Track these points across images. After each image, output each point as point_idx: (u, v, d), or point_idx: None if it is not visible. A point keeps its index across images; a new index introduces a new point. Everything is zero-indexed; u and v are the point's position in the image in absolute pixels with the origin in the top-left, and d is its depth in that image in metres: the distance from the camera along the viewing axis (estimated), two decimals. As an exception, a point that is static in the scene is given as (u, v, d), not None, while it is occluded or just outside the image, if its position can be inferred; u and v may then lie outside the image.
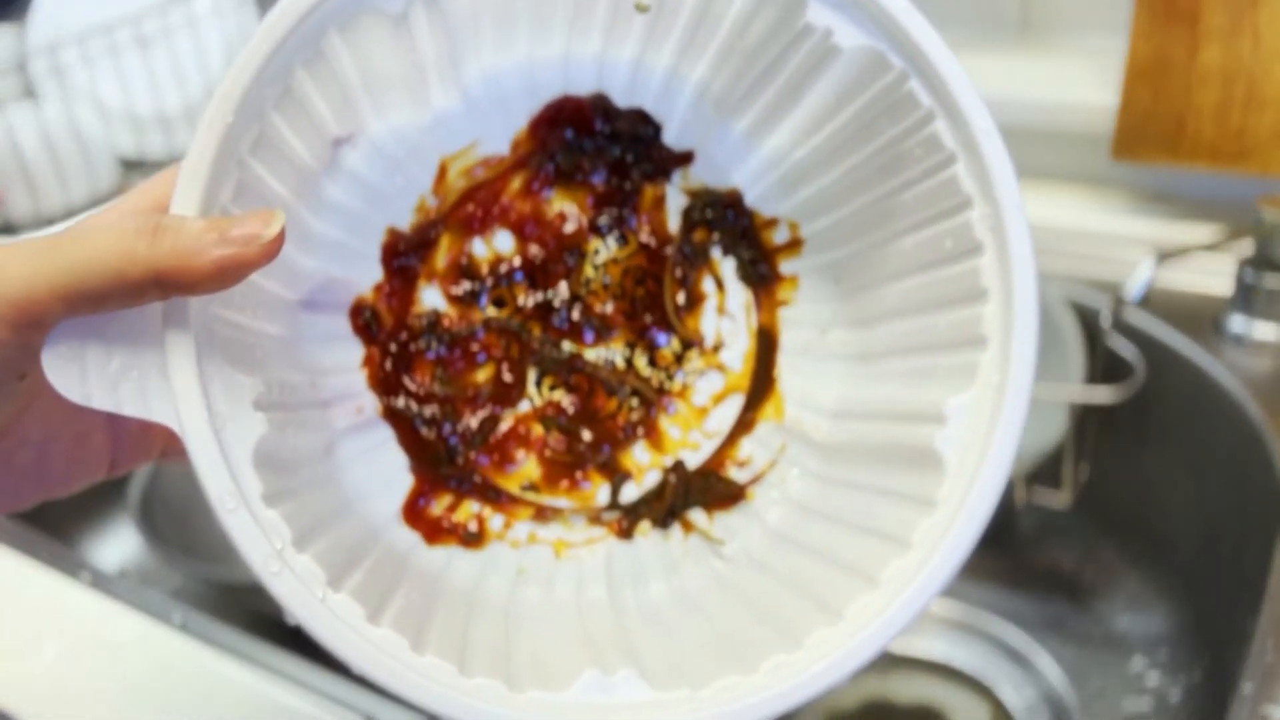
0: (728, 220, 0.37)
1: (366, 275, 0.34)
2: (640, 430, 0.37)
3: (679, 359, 0.37)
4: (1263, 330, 0.62)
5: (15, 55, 0.92)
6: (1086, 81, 0.76)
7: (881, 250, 0.33)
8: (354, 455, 0.33)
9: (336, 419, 0.33)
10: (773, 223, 0.36)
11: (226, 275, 0.24)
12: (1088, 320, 0.69)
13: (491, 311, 0.36)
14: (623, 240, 0.37)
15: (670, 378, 0.37)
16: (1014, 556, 0.77)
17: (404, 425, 0.35)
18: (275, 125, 0.29)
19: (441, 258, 0.35)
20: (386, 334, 0.35)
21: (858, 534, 0.31)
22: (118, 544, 0.78)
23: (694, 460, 0.37)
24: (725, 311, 0.37)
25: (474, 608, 0.32)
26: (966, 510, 0.27)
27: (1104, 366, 0.67)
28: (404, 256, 0.35)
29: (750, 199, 0.36)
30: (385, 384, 0.35)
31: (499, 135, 0.35)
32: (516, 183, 0.36)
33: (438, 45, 0.32)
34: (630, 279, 0.37)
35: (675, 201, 0.37)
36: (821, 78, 0.32)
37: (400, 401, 0.35)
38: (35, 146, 0.84)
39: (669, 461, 0.37)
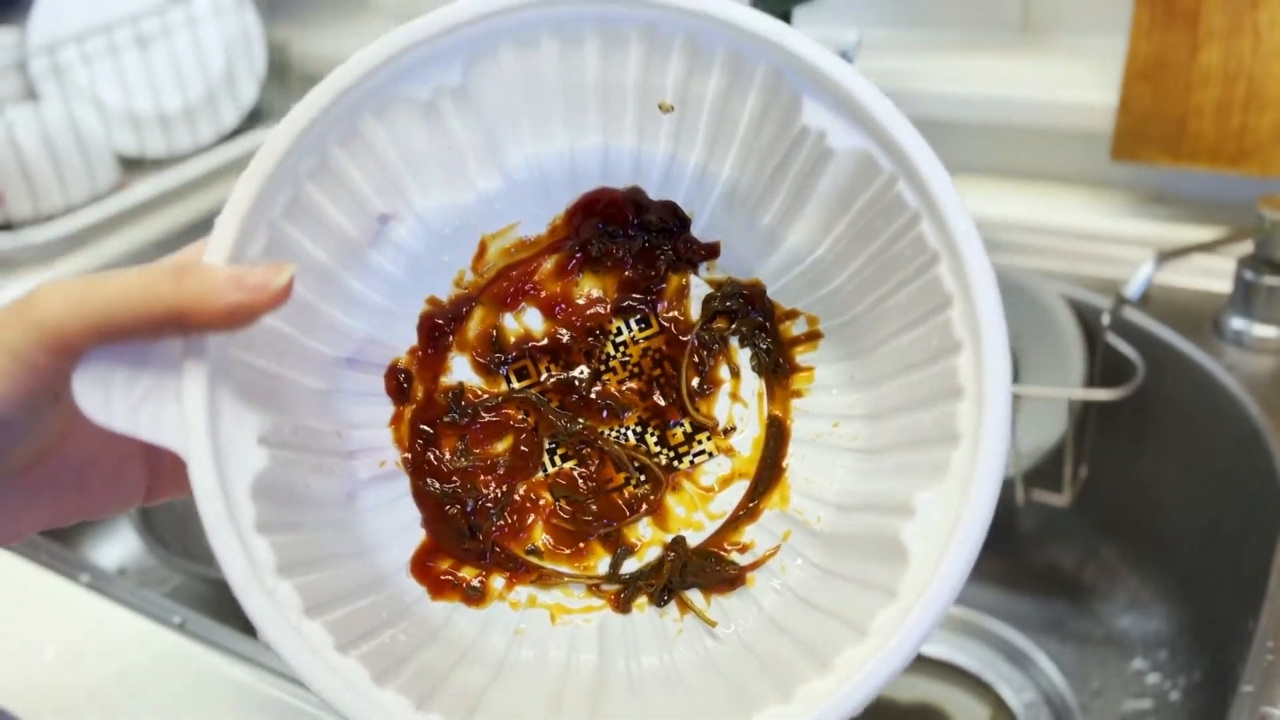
0: (747, 311, 0.38)
1: (404, 339, 0.36)
2: (646, 505, 0.37)
3: (689, 440, 0.38)
4: (1262, 330, 0.62)
5: (15, 55, 0.92)
6: (1086, 81, 0.76)
7: (885, 348, 0.34)
8: (374, 505, 0.34)
9: (360, 470, 0.34)
10: (792, 314, 0.37)
11: (238, 316, 0.26)
12: (1088, 320, 0.69)
13: (515, 382, 0.38)
14: (645, 322, 0.38)
15: (679, 457, 0.38)
16: (1014, 557, 0.77)
17: (430, 504, 0.36)
18: (310, 195, 0.31)
19: (473, 329, 0.37)
20: (416, 410, 0.36)
21: (826, 619, 0.31)
22: (118, 544, 0.78)
23: (695, 539, 0.37)
24: (738, 398, 0.38)
25: (467, 657, 0.32)
26: (923, 603, 0.27)
27: (1104, 366, 0.67)
28: (439, 326, 0.37)
29: (772, 291, 0.37)
30: (415, 464, 0.36)
31: (538, 218, 0.37)
32: (550, 264, 0.38)
33: (472, 133, 0.34)
34: (649, 360, 0.38)
35: (698, 290, 0.38)
36: (822, 177, 0.33)
37: (430, 484, 0.36)
38: (35, 146, 0.84)
39: (670, 539, 0.37)
